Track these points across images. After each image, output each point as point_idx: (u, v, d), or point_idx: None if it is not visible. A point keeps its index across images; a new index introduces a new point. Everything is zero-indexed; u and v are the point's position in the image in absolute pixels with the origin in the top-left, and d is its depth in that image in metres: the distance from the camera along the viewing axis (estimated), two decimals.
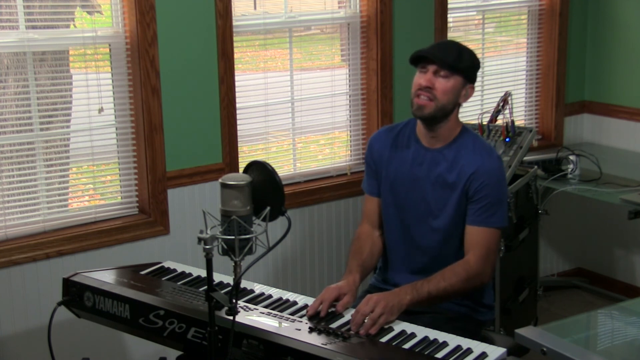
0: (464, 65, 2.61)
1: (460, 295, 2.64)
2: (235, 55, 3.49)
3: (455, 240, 2.69)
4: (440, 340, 2.22)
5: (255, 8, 3.82)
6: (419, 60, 2.63)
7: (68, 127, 3.37)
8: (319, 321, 2.33)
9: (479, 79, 4.35)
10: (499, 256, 3.47)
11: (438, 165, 2.67)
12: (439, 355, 2.14)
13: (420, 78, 2.63)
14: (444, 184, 2.66)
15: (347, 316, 2.37)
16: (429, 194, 2.68)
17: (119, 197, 3.42)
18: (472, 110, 4.30)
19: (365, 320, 2.31)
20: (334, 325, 2.31)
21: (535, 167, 3.91)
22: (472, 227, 2.63)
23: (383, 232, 2.82)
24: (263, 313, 2.33)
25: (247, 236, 2.06)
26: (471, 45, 4.42)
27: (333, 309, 2.40)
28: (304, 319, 2.32)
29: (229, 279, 2.61)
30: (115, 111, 3.33)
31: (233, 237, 2.04)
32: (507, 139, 3.68)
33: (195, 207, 3.47)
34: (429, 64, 2.61)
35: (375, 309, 2.32)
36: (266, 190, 2.10)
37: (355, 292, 2.52)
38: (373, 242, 2.79)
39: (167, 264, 2.78)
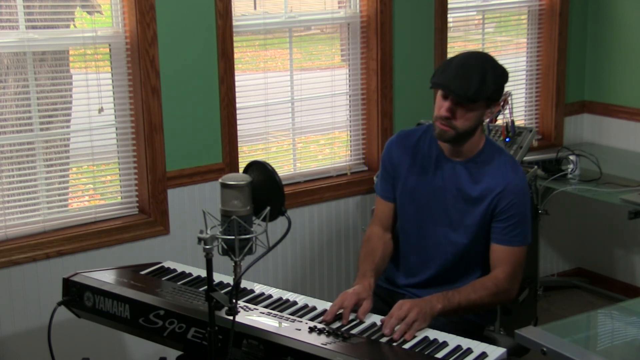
0: (487, 93, 2.50)
1: (487, 309, 2.62)
2: (235, 55, 3.49)
3: (471, 256, 2.66)
4: (440, 340, 2.22)
5: (255, 8, 3.82)
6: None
7: (68, 127, 3.37)
8: (339, 327, 2.29)
9: None
10: None
11: (461, 178, 2.62)
12: (439, 355, 2.14)
13: (441, 104, 2.53)
14: (467, 198, 2.61)
15: (368, 322, 2.34)
16: (450, 205, 2.63)
17: (119, 197, 3.42)
18: None
19: (398, 326, 2.28)
20: (356, 331, 2.28)
21: (535, 167, 3.90)
22: (498, 246, 2.59)
23: (396, 237, 2.79)
24: (263, 313, 2.33)
25: (247, 236, 2.06)
26: (471, 46, 4.47)
27: (352, 314, 2.37)
28: (308, 321, 2.31)
29: (229, 279, 2.60)
30: (115, 111, 3.33)
31: (233, 237, 2.04)
32: (507, 139, 3.68)
33: (195, 207, 3.47)
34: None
35: (410, 314, 2.29)
36: (266, 190, 2.10)
37: (372, 297, 2.46)
38: (385, 245, 2.74)
39: (167, 264, 2.77)
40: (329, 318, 2.33)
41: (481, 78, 2.48)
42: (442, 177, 2.64)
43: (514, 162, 2.66)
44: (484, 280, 2.56)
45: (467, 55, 2.57)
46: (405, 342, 2.24)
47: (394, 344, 2.22)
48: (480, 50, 4.39)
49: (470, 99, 2.48)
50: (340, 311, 2.36)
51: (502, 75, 2.57)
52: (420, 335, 2.26)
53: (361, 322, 2.34)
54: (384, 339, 2.24)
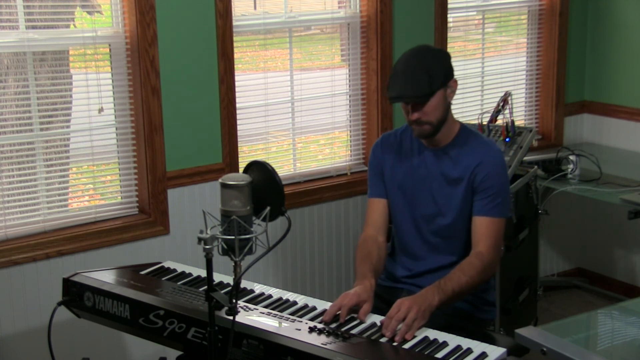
0: (438, 82, 2.62)
1: (476, 288, 2.66)
2: (235, 55, 3.49)
3: (463, 236, 2.73)
4: (440, 340, 2.22)
5: (255, 8, 3.82)
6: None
7: (68, 127, 3.37)
8: (339, 327, 2.30)
9: (478, 79, 4.38)
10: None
11: (442, 163, 2.72)
12: (439, 355, 2.14)
13: (406, 110, 2.68)
14: (450, 180, 2.70)
15: (368, 322, 2.34)
16: (436, 192, 2.73)
17: (119, 197, 3.42)
18: (472, 110, 4.30)
19: (399, 327, 2.28)
20: (356, 331, 2.29)
21: (535, 167, 3.91)
22: (480, 218, 2.67)
23: (394, 232, 2.85)
24: (263, 313, 2.33)
25: (247, 236, 2.06)
26: (471, 46, 4.46)
27: (354, 315, 2.37)
28: (308, 321, 2.31)
29: (229, 279, 2.61)
30: (115, 111, 3.33)
31: (233, 237, 2.04)
32: (507, 139, 3.68)
33: (195, 207, 3.47)
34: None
35: (409, 314, 2.30)
36: (266, 190, 2.10)
37: (373, 298, 2.48)
38: (379, 248, 2.77)
39: (167, 264, 2.78)
40: (327, 318, 2.33)
41: (427, 74, 2.61)
42: (425, 166, 2.74)
43: (491, 141, 2.79)
44: (470, 259, 2.62)
45: (407, 58, 2.68)
46: (406, 341, 2.24)
47: (394, 343, 2.22)
48: (480, 50, 4.40)
49: (426, 96, 2.61)
50: (339, 312, 2.36)
51: (444, 58, 2.69)
52: (420, 335, 2.26)
53: (361, 322, 2.34)
54: (384, 339, 2.24)
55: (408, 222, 2.79)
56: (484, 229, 2.66)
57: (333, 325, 2.30)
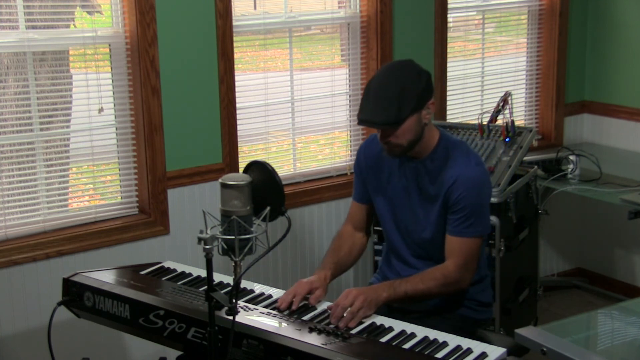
0: (409, 108, 2.49)
1: (436, 297, 2.65)
2: (235, 55, 3.49)
3: (442, 250, 2.68)
4: (440, 340, 2.22)
5: (255, 8, 3.82)
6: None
7: (68, 127, 3.37)
8: (291, 313, 2.37)
9: (478, 79, 4.37)
10: (498, 256, 3.47)
11: (420, 177, 2.66)
12: (439, 355, 2.14)
13: (376, 130, 2.59)
14: (428, 197, 2.65)
15: (320, 309, 2.41)
16: (416, 205, 2.69)
17: (119, 197, 3.42)
18: (472, 110, 4.30)
19: (345, 314, 2.35)
20: (307, 317, 2.35)
21: (535, 167, 3.91)
22: (451, 237, 2.61)
23: (385, 237, 2.85)
24: (263, 313, 2.34)
25: (247, 236, 2.06)
26: (471, 46, 4.47)
27: (305, 302, 2.45)
28: (309, 322, 2.32)
29: (229, 279, 2.61)
30: (115, 111, 3.33)
31: (233, 237, 2.04)
32: (507, 139, 3.68)
33: (195, 207, 3.47)
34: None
35: (355, 303, 2.37)
36: (266, 190, 2.10)
37: (326, 287, 2.57)
38: (353, 242, 2.81)
39: (167, 264, 2.78)
40: (283, 305, 2.40)
41: (399, 98, 2.48)
42: (405, 177, 2.69)
43: (468, 155, 2.64)
44: (433, 270, 2.60)
45: (381, 77, 2.56)
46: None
47: (394, 343, 2.22)
48: (480, 50, 4.40)
49: (394, 123, 2.50)
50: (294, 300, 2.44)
51: (421, 80, 2.54)
52: (420, 335, 2.26)
53: (361, 322, 2.35)
54: (383, 339, 2.24)
55: (394, 229, 2.77)
56: (455, 248, 2.60)
57: (332, 325, 2.31)
